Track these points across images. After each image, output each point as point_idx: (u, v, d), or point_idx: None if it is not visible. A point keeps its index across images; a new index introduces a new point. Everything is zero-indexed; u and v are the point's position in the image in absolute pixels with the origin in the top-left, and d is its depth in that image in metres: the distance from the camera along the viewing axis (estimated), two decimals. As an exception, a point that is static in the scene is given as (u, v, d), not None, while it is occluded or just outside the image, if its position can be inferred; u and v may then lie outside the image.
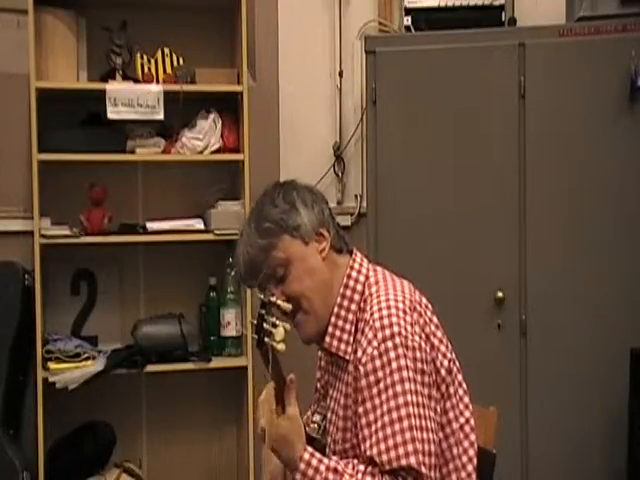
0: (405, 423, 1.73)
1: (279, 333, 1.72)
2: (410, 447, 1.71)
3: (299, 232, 1.89)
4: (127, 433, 3.52)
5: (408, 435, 1.72)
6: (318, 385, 2.08)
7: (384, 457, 1.72)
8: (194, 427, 3.66)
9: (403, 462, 1.71)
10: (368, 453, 1.75)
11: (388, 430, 1.73)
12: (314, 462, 1.75)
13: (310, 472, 1.75)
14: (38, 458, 3.20)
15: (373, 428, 1.75)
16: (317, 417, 2.01)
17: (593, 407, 3.20)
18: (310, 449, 1.78)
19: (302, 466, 1.75)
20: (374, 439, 1.74)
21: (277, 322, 1.73)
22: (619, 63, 3.16)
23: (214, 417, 3.69)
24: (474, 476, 1.90)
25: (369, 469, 1.75)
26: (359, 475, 1.74)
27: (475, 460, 1.90)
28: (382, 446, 1.73)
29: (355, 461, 1.79)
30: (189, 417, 3.65)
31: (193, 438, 3.67)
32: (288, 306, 1.80)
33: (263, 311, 1.77)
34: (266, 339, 1.75)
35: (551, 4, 3.69)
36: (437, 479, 1.78)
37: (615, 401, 3.14)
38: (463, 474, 1.88)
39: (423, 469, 1.71)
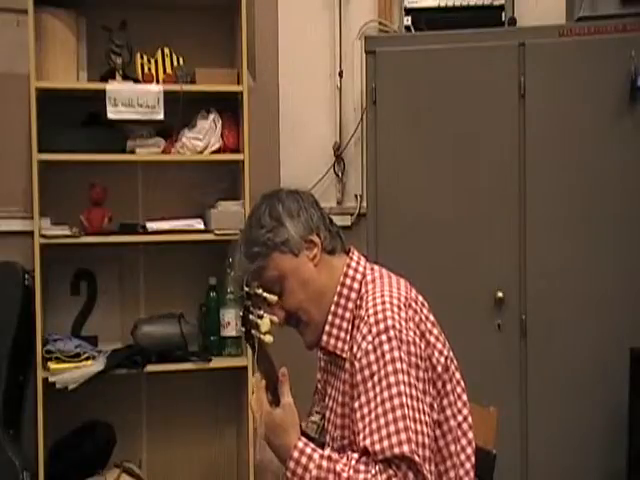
0: (398, 412, 1.72)
1: (265, 324, 1.73)
2: (403, 436, 1.71)
3: (288, 246, 1.91)
4: (127, 433, 3.51)
5: (401, 424, 1.72)
6: (319, 386, 2.08)
7: (377, 447, 1.72)
8: (194, 427, 3.66)
9: (396, 450, 1.70)
10: (362, 444, 1.74)
11: (382, 420, 1.73)
12: (308, 450, 1.75)
13: (303, 460, 1.74)
14: (38, 458, 3.20)
15: (367, 420, 1.75)
16: (316, 417, 2.01)
17: (593, 407, 3.20)
18: (304, 439, 1.78)
19: (295, 454, 1.75)
20: (367, 430, 1.74)
21: (263, 314, 1.73)
22: (619, 63, 3.16)
23: (214, 417, 3.69)
24: (472, 474, 1.90)
25: (363, 458, 1.74)
26: (352, 462, 1.73)
27: (473, 458, 1.90)
28: (375, 436, 1.72)
29: (350, 452, 1.79)
30: (189, 417, 3.65)
31: (193, 438, 3.67)
32: (274, 298, 1.81)
33: (249, 302, 1.77)
34: (253, 331, 1.75)
35: (551, 4, 3.69)
36: (433, 473, 1.77)
37: (615, 401, 3.14)
38: (461, 472, 1.88)
39: (417, 458, 1.70)
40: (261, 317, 1.75)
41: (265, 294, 1.79)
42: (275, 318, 1.77)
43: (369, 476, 1.70)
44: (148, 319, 3.49)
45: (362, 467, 1.72)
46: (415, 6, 3.54)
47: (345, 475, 1.71)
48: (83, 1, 3.39)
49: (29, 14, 3.21)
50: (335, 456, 1.76)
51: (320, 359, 2.07)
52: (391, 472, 1.70)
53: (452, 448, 1.87)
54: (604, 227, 3.23)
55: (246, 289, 1.80)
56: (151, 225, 3.40)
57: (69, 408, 3.37)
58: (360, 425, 1.76)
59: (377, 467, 1.71)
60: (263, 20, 3.76)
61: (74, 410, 3.39)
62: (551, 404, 3.24)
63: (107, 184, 3.40)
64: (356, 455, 1.75)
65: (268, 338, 1.74)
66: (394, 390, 1.74)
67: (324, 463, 1.73)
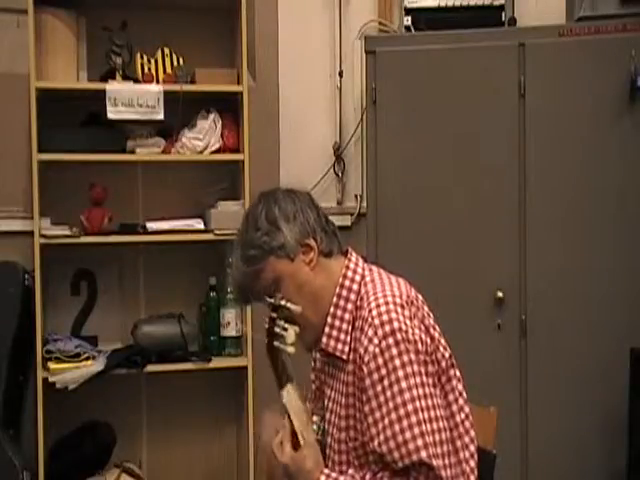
0: (413, 418, 1.74)
1: (290, 336, 1.72)
2: (420, 442, 1.72)
3: (284, 250, 1.90)
4: (127, 433, 3.51)
5: (417, 430, 1.73)
6: (313, 386, 2.08)
7: (395, 454, 1.74)
8: (194, 427, 3.66)
9: (414, 457, 1.72)
10: (378, 451, 1.76)
11: (396, 427, 1.74)
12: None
13: None
14: (38, 458, 3.20)
15: (380, 426, 1.76)
16: (315, 418, 2.01)
17: (593, 407, 3.20)
18: (326, 471, 1.81)
19: None
20: (382, 437, 1.75)
21: (286, 325, 1.73)
22: (619, 63, 3.16)
23: (214, 417, 3.68)
24: (476, 472, 1.90)
25: (379, 475, 1.77)
26: None
27: (476, 456, 1.90)
28: (391, 444, 1.74)
29: (367, 473, 1.81)
30: (189, 417, 3.65)
31: (193, 438, 3.67)
32: (298, 308, 1.80)
33: (275, 315, 1.77)
34: (276, 343, 1.74)
35: (551, 4, 3.69)
36: (454, 464, 1.78)
37: (615, 401, 3.14)
38: (467, 468, 1.88)
39: (434, 462, 1.72)
40: (285, 329, 1.74)
41: (289, 304, 1.78)
42: (297, 328, 1.76)
43: None
44: (148, 319, 3.49)
45: None
46: (415, 6, 3.54)
47: None
48: (83, 1, 3.39)
49: (29, 14, 3.21)
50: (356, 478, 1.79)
51: (315, 360, 2.06)
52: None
53: (458, 444, 1.87)
54: (604, 227, 3.23)
55: (270, 300, 1.79)
56: (151, 225, 3.40)
57: (69, 408, 3.36)
58: (373, 430, 1.77)
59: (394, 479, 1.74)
60: (263, 20, 3.76)
61: (74, 410, 3.39)
62: (551, 404, 3.24)
63: (107, 184, 3.40)
64: (369, 476, 1.78)
65: (291, 349, 1.74)
66: (407, 395, 1.75)
67: None
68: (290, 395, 1.80)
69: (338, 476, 1.81)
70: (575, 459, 3.21)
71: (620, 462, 3.12)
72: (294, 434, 1.81)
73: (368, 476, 1.80)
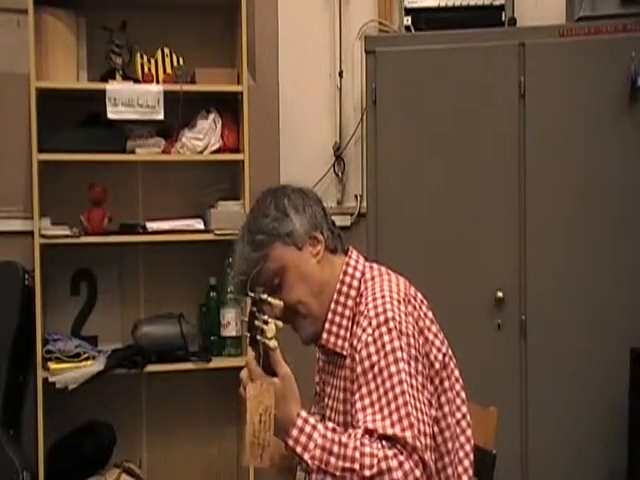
0: (400, 400, 1.70)
1: (270, 330, 1.71)
2: (405, 422, 1.67)
3: (292, 238, 1.90)
4: (127, 433, 3.51)
5: (403, 411, 1.69)
6: (317, 388, 2.07)
7: (379, 423, 1.68)
8: (194, 427, 3.66)
9: (399, 434, 1.66)
10: (363, 427, 1.69)
11: (385, 411, 1.70)
12: (311, 420, 1.71)
13: (308, 428, 1.69)
14: (38, 458, 3.20)
15: (369, 411, 1.71)
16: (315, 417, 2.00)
17: (593, 407, 3.20)
18: (304, 414, 1.72)
19: (299, 422, 1.70)
20: (370, 418, 1.70)
21: (268, 319, 1.73)
22: (619, 63, 3.16)
23: (214, 417, 3.68)
24: (471, 471, 1.89)
25: (366, 435, 1.69)
26: (358, 435, 1.68)
27: (472, 456, 1.89)
28: (378, 416, 1.69)
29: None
30: (189, 417, 3.65)
31: (193, 438, 3.66)
32: (279, 303, 1.78)
33: (254, 308, 1.77)
34: (258, 337, 1.74)
35: (551, 4, 3.69)
36: (433, 462, 1.73)
37: (615, 401, 3.14)
38: (460, 469, 1.87)
39: (418, 444, 1.66)
40: (266, 322, 1.73)
41: (270, 299, 1.77)
42: (280, 323, 1.75)
43: (375, 448, 1.65)
44: (148, 319, 3.49)
45: (367, 441, 1.67)
46: (415, 6, 3.54)
47: (352, 445, 1.66)
48: (83, 1, 3.39)
49: (29, 14, 3.21)
50: (340, 429, 1.73)
51: (318, 360, 2.06)
52: (396, 450, 1.65)
53: (450, 445, 1.86)
54: (604, 227, 3.23)
55: (251, 294, 1.78)
56: (151, 225, 3.40)
57: (69, 408, 3.36)
58: (361, 415, 1.72)
59: (383, 442, 1.67)
60: (263, 20, 3.76)
61: (74, 410, 3.39)
62: (551, 404, 3.24)
63: (107, 184, 3.40)
64: (360, 431, 1.70)
65: (273, 343, 1.72)
66: (395, 379, 1.72)
67: (329, 434, 1.69)
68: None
69: (316, 423, 1.71)
70: (575, 459, 3.21)
71: (620, 462, 3.12)
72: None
73: (360, 431, 1.70)
